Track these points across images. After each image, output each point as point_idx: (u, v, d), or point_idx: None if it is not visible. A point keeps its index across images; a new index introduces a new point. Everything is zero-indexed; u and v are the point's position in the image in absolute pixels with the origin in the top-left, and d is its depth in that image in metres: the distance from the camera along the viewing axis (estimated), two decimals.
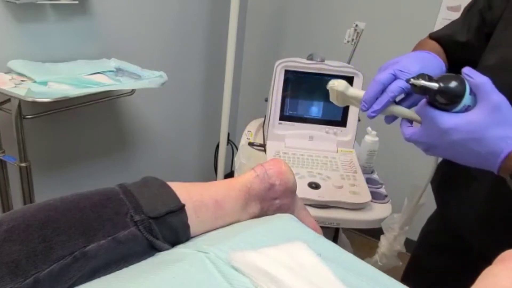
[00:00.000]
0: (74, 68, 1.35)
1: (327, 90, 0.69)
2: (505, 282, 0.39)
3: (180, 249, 0.48)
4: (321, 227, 0.64)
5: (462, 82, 0.56)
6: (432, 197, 0.94)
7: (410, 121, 0.64)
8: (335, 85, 0.66)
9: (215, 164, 2.24)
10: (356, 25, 1.47)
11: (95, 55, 1.51)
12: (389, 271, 0.70)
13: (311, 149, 1.32)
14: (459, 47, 0.82)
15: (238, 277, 0.40)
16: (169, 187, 0.50)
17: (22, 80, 1.19)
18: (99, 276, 0.43)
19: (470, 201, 0.79)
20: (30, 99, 1.09)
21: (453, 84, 0.56)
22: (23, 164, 1.24)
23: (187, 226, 0.50)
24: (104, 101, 1.50)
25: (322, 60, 1.30)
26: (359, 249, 1.01)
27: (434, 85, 0.56)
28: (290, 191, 0.59)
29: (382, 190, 1.25)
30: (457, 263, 0.88)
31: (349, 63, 1.46)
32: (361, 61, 1.48)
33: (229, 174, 2.41)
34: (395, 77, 0.63)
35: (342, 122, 1.35)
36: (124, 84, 1.31)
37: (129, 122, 1.81)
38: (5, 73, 1.23)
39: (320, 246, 0.49)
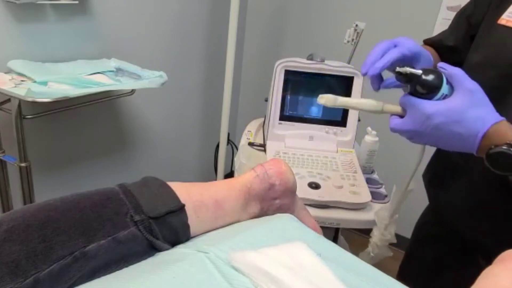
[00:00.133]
0: (74, 68, 1.35)
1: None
2: (505, 282, 0.39)
3: (180, 249, 0.48)
4: (321, 227, 0.64)
5: (439, 74, 0.64)
6: (422, 186, 0.98)
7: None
8: (323, 102, 0.73)
9: (215, 164, 2.24)
10: (356, 25, 1.47)
11: (95, 55, 1.51)
12: (384, 264, 0.70)
13: (311, 149, 1.32)
14: (448, 50, 0.90)
15: (238, 277, 0.40)
16: (169, 187, 0.50)
17: (22, 80, 1.19)
18: (99, 276, 0.43)
19: (458, 193, 0.84)
20: (30, 99, 1.09)
21: (432, 74, 0.64)
22: (23, 164, 1.24)
23: (187, 226, 0.50)
24: (104, 101, 1.50)
25: (322, 60, 1.30)
26: (359, 249, 1.02)
27: (419, 71, 0.64)
28: (290, 191, 0.59)
29: (382, 190, 1.25)
30: (449, 252, 0.92)
31: (349, 63, 1.46)
32: (361, 61, 1.46)
33: (229, 174, 2.41)
34: (395, 46, 0.71)
35: (342, 122, 1.35)
36: (124, 84, 1.31)
37: (129, 122, 1.81)
38: (5, 73, 1.23)
39: (320, 246, 0.49)
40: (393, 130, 0.68)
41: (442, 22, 1.78)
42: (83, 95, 1.19)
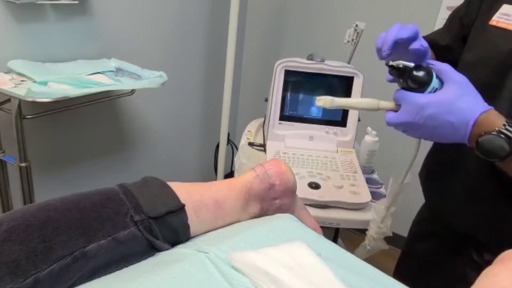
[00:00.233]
0: (74, 68, 1.35)
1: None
2: (505, 282, 0.39)
3: (180, 249, 0.48)
4: (321, 227, 0.64)
5: (429, 70, 0.69)
6: (419, 185, 1.00)
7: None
8: (321, 104, 0.76)
9: (215, 164, 2.24)
10: (356, 25, 1.47)
11: (95, 55, 1.51)
12: (382, 263, 0.71)
13: (311, 149, 1.32)
14: (442, 49, 0.94)
15: (238, 277, 0.40)
16: (169, 187, 0.50)
17: (22, 80, 1.19)
18: (99, 276, 0.43)
19: (451, 187, 0.88)
20: (30, 99, 1.09)
21: (422, 69, 0.68)
22: (23, 164, 1.24)
23: (187, 226, 0.50)
24: (104, 101, 1.50)
25: (322, 60, 1.30)
26: None
27: (411, 64, 0.68)
28: (290, 191, 0.59)
29: (382, 190, 1.25)
30: (443, 247, 0.94)
31: (349, 63, 1.46)
32: (361, 61, 1.48)
33: (229, 174, 2.41)
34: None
35: (342, 122, 1.35)
36: (124, 84, 1.31)
37: (129, 122, 1.81)
38: (5, 73, 1.23)
39: (320, 246, 0.49)
40: (389, 123, 0.71)
41: (442, 22, 1.77)
42: (83, 95, 1.19)
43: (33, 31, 1.32)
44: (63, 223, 0.43)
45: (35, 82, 1.18)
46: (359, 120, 1.35)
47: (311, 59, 1.31)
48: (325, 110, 1.34)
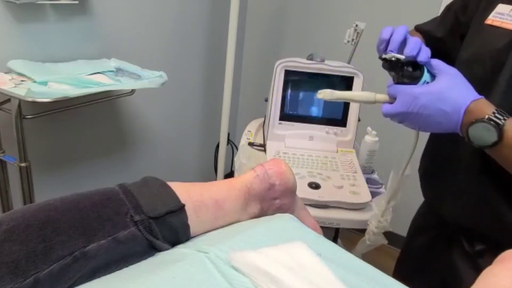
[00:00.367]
0: (74, 68, 1.35)
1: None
2: (505, 282, 0.39)
3: (180, 249, 0.48)
4: (321, 227, 0.64)
5: (420, 64, 0.72)
6: (418, 185, 1.01)
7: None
8: (322, 96, 0.80)
9: (215, 164, 2.24)
10: (356, 25, 1.47)
11: (95, 55, 1.51)
12: (382, 263, 0.71)
13: (311, 149, 1.32)
14: (435, 41, 0.96)
15: (238, 277, 0.40)
16: (169, 187, 0.50)
17: (22, 80, 1.19)
18: (99, 276, 0.43)
19: (445, 184, 0.90)
20: (30, 99, 1.09)
21: (414, 63, 0.71)
22: (23, 164, 1.24)
23: (187, 226, 0.50)
24: (104, 101, 1.50)
25: (322, 60, 1.30)
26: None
27: (402, 56, 0.71)
28: (290, 191, 0.59)
29: (382, 190, 1.25)
30: (439, 240, 0.96)
31: (349, 63, 1.46)
32: (361, 61, 1.48)
33: (229, 174, 2.41)
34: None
35: (342, 122, 1.35)
36: (124, 84, 1.31)
37: (129, 122, 1.81)
38: (5, 73, 1.23)
39: (320, 246, 0.49)
40: (385, 114, 0.75)
41: None
42: (83, 95, 1.19)
43: (33, 31, 1.32)
44: (63, 223, 0.43)
45: (35, 82, 1.18)
46: (359, 120, 1.35)
47: (311, 59, 1.31)
48: (325, 110, 1.35)
